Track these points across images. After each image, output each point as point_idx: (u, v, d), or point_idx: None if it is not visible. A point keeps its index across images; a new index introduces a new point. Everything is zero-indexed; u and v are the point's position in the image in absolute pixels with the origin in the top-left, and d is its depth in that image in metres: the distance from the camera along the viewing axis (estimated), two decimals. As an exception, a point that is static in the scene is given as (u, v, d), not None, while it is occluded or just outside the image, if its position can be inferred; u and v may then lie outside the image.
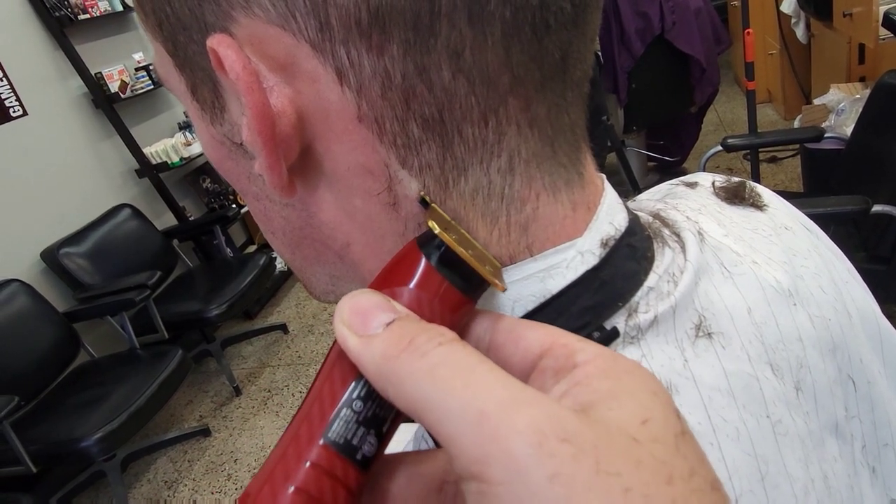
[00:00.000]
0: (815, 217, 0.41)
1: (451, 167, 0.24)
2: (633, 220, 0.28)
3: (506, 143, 0.24)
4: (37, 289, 2.34)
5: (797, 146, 2.90)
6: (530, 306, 0.25)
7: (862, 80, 2.75)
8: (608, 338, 0.25)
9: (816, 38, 3.20)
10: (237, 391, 2.73)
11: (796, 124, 2.70)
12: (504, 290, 0.22)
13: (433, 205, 0.23)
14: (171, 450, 2.51)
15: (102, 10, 2.88)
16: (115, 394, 2.13)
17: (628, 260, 0.26)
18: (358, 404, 0.19)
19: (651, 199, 0.39)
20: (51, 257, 2.49)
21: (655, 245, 0.29)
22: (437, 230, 0.20)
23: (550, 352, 0.19)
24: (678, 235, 0.30)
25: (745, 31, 2.27)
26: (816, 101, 2.71)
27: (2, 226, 2.40)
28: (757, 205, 0.38)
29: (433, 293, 0.20)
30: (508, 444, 0.15)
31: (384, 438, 0.20)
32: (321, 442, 0.18)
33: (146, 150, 2.97)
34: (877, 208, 1.64)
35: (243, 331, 3.10)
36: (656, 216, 0.32)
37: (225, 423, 2.58)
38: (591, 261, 0.26)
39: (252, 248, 3.53)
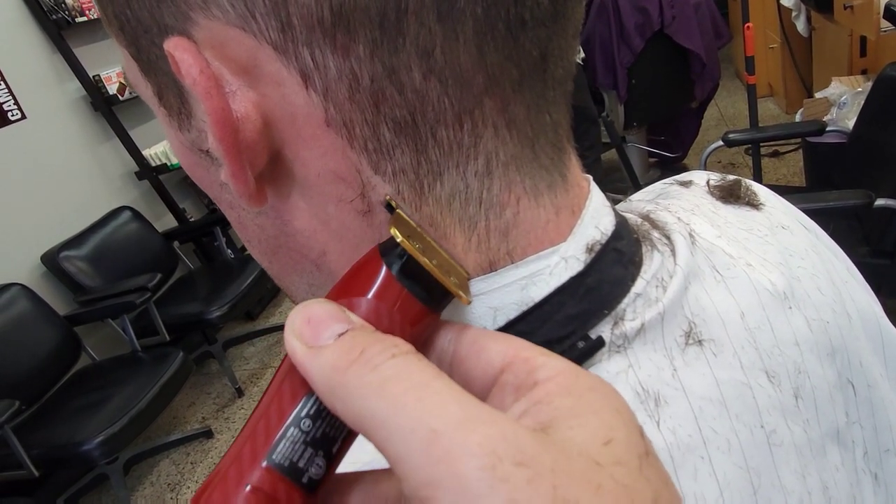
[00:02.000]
0: (817, 211, 0.40)
1: (425, 172, 0.23)
2: (621, 223, 0.27)
3: (482, 145, 0.23)
4: (37, 292, 2.33)
5: (799, 140, 2.88)
6: (512, 315, 0.24)
7: (863, 72, 2.73)
8: (593, 347, 0.24)
9: (817, 31, 3.18)
10: (239, 392, 2.73)
11: (798, 118, 2.68)
12: (468, 302, 0.21)
13: (398, 210, 0.22)
14: (174, 452, 2.50)
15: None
16: (116, 396, 2.13)
17: (615, 265, 0.25)
18: (307, 423, 0.18)
19: (643, 200, 0.38)
20: (51, 261, 2.48)
21: (644, 249, 0.28)
22: (398, 238, 0.19)
23: (512, 366, 0.18)
24: (668, 238, 0.29)
25: (746, 26, 2.26)
26: (818, 95, 2.69)
27: (2, 230, 2.39)
28: (753, 203, 0.37)
29: (392, 304, 0.19)
30: (459, 467, 0.14)
31: (334, 460, 0.19)
32: (264, 464, 0.17)
33: (145, 152, 2.96)
34: (880, 202, 1.63)
35: (245, 332, 3.10)
36: (646, 218, 0.31)
37: (227, 424, 2.58)
38: (576, 267, 0.25)
39: (253, 249, 3.51)
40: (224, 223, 2.97)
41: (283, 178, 0.25)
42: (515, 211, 0.24)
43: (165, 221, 3.08)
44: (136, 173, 2.98)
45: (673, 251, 0.28)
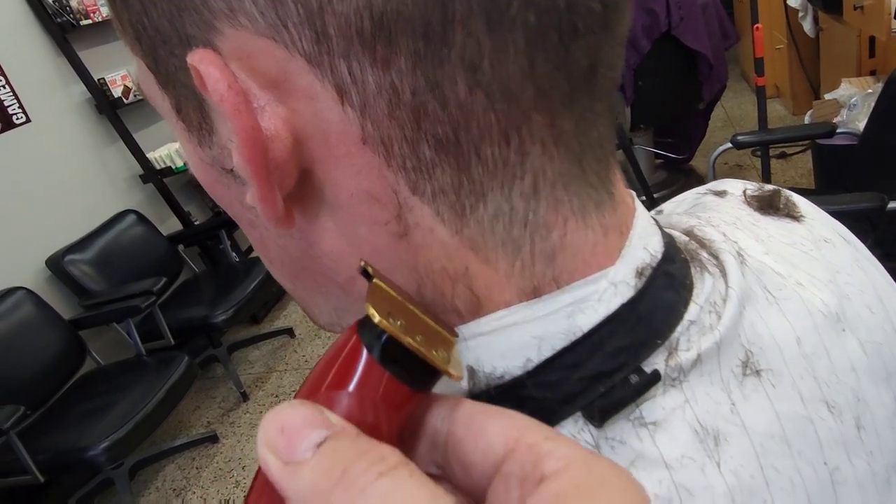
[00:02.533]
0: (830, 214, 0.38)
1: (468, 192, 0.21)
2: (669, 243, 0.26)
3: (529, 163, 0.21)
4: (42, 296, 2.32)
5: (807, 142, 2.86)
6: (559, 345, 0.23)
7: (872, 73, 2.71)
8: (648, 382, 0.22)
9: (825, 32, 3.15)
10: (244, 396, 2.72)
11: (807, 120, 2.66)
12: (459, 378, 0.19)
13: (376, 280, 0.19)
14: (180, 457, 2.49)
15: (105, 16, 2.87)
16: (122, 401, 2.12)
17: (666, 290, 0.24)
18: None
19: (680, 213, 0.36)
20: (56, 264, 2.47)
21: (693, 270, 0.26)
22: (376, 319, 0.17)
23: (515, 454, 0.16)
24: (717, 258, 0.27)
25: (755, 27, 2.24)
26: (827, 96, 2.67)
27: (7, 233, 2.39)
28: (793, 215, 0.35)
29: (375, 392, 0.17)
30: None
31: None
32: None
33: (150, 156, 2.95)
34: (893, 205, 1.61)
35: (250, 335, 3.08)
36: (691, 235, 0.29)
37: (233, 429, 2.57)
38: (627, 293, 0.23)
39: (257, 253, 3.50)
40: (229, 226, 2.96)
41: (311, 198, 0.23)
42: (562, 233, 0.23)
43: (170, 225, 3.07)
44: (140, 176, 2.98)
45: (723, 272, 0.26)
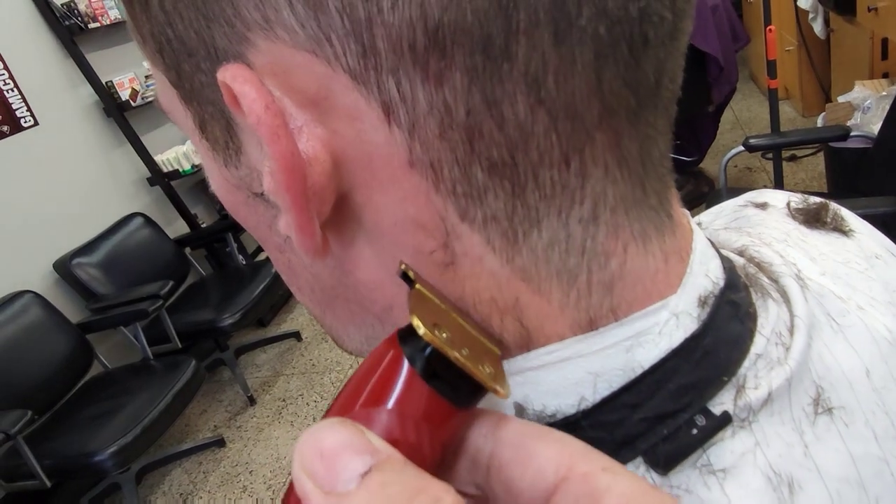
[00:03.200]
0: None
1: (521, 218, 0.20)
2: (731, 268, 0.24)
3: (590, 187, 0.20)
4: (50, 300, 2.32)
5: (817, 145, 2.83)
6: (616, 383, 0.21)
7: (885, 76, 2.68)
8: (718, 425, 0.20)
9: (836, 34, 3.12)
10: (251, 400, 2.70)
11: (819, 122, 2.64)
12: (506, 396, 0.17)
13: (418, 286, 0.17)
14: (186, 461, 2.48)
15: (112, 19, 2.87)
16: (128, 406, 2.11)
17: (731, 321, 0.22)
18: None
19: (720, 227, 0.34)
20: (63, 268, 2.47)
21: (754, 296, 0.24)
22: (421, 330, 0.16)
23: (568, 484, 0.15)
24: (777, 282, 0.26)
25: (767, 29, 2.21)
26: (840, 99, 2.64)
27: (14, 237, 2.38)
28: (842, 230, 0.33)
29: (418, 410, 0.16)
30: None
31: None
32: None
33: (157, 158, 2.95)
34: (910, 210, 1.58)
35: (257, 339, 3.07)
36: (746, 256, 0.28)
37: (239, 433, 2.55)
38: (690, 325, 0.21)
39: (264, 255, 3.50)
40: (236, 229, 2.95)
41: (348, 224, 0.21)
42: (622, 261, 0.21)
43: (177, 227, 3.06)
44: (147, 179, 2.97)
45: (786, 298, 0.25)
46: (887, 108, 1.99)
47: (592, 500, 0.14)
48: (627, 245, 0.21)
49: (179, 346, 2.46)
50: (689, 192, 3.20)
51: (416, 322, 0.16)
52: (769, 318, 0.23)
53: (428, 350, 0.16)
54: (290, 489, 0.16)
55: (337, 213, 0.21)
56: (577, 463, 0.15)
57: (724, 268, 0.24)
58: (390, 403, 0.16)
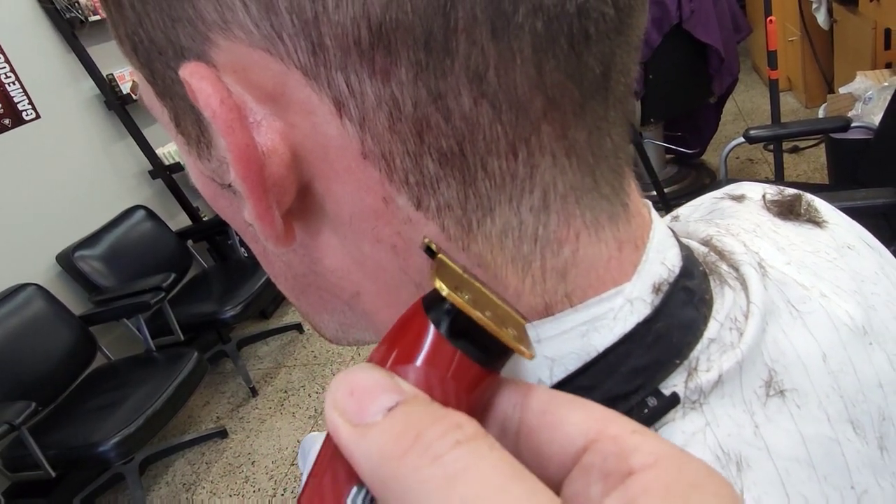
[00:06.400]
0: (845, 211, 0.36)
1: (474, 207, 0.20)
2: (688, 255, 0.25)
3: (539, 176, 0.20)
4: (53, 292, 2.34)
5: (819, 136, 2.82)
6: (571, 366, 0.21)
7: (888, 66, 2.66)
8: (667, 405, 0.21)
9: (839, 24, 3.10)
10: (253, 392, 2.72)
11: (821, 113, 2.62)
12: (532, 357, 0.17)
13: (440, 255, 0.18)
14: (189, 452, 2.50)
15: (113, 11, 2.87)
16: (131, 397, 2.13)
17: (685, 306, 0.23)
18: None
19: (697, 219, 0.35)
20: (66, 260, 2.48)
21: (713, 284, 0.25)
22: (444, 291, 0.16)
23: (597, 445, 0.15)
24: (737, 270, 0.26)
25: (768, 19, 2.21)
26: (842, 90, 2.63)
27: (17, 230, 2.40)
28: (815, 221, 0.34)
29: (445, 370, 0.16)
30: None
31: None
32: None
33: (159, 151, 2.96)
34: (909, 201, 1.58)
35: (259, 331, 3.09)
36: (710, 245, 0.28)
37: (242, 424, 2.58)
38: (643, 310, 0.22)
39: (266, 247, 3.50)
40: (237, 222, 2.96)
41: (312, 214, 0.22)
42: (574, 248, 0.21)
43: (179, 220, 3.08)
44: (149, 172, 2.98)
45: (744, 285, 0.25)
46: (889, 98, 1.98)
47: (621, 458, 0.14)
48: (579, 233, 0.21)
49: (182, 338, 2.48)
50: (690, 183, 3.19)
51: (439, 284, 0.16)
52: (725, 304, 0.24)
53: (453, 311, 0.16)
54: (305, 488, 0.16)
55: (301, 203, 0.22)
56: (606, 426, 0.15)
57: (682, 256, 0.24)
58: (418, 362, 0.16)
